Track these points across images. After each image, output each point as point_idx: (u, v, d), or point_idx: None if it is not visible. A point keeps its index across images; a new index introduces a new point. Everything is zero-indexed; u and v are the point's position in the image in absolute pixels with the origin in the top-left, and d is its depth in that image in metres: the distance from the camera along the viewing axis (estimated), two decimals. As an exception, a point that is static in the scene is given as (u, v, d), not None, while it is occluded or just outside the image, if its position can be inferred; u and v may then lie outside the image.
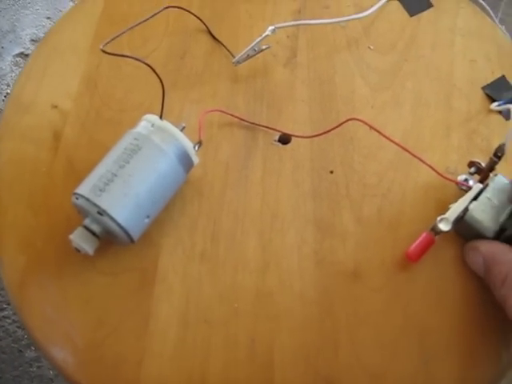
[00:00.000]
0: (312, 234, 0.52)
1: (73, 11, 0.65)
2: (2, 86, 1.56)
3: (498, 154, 0.48)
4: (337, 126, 0.53)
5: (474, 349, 0.47)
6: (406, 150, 0.51)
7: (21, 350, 1.23)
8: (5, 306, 1.25)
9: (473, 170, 0.52)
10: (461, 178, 0.53)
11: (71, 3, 1.69)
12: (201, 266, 0.50)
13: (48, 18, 1.71)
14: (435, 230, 0.48)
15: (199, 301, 0.49)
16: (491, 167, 0.50)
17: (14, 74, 1.58)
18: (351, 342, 0.47)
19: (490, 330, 0.48)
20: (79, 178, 0.47)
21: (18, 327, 1.24)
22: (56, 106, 0.58)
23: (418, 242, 0.49)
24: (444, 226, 0.48)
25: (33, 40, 1.66)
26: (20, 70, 1.56)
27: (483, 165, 0.51)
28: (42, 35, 1.62)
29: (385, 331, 0.48)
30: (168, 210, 0.51)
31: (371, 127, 0.51)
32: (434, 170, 0.51)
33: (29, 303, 0.49)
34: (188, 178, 0.52)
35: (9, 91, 1.52)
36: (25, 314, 0.48)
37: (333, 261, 0.50)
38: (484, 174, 0.51)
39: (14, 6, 1.71)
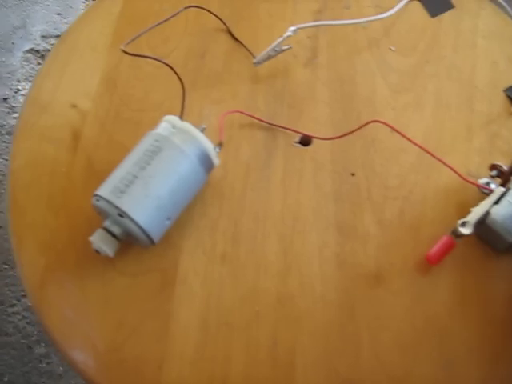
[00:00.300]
0: (333, 236, 0.51)
1: (91, 10, 0.64)
2: (13, 82, 1.55)
3: None
4: (358, 128, 0.53)
5: (495, 352, 0.47)
6: (428, 153, 0.51)
7: (30, 346, 1.23)
8: (14, 302, 1.25)
9: (494, 173, 0.52)
10: (482, 181, 0.52)
11: (82, -1, 1.68)
12: (221, 267, 0.50)
13: (59, 14, 1.70)
14: (456, 234, 0.48)
15: (220, 303, 0.48)
16: None
17: (24, 70, 1.58)
18: (372, 345, 0.47)
19: (510, 334, 0.48)
20: (99, 179, 0.47)
21: (28, 323, 1.24)
22: (75, 106, 0.57)
23: (438, 245, 0.49)
24: (465, 230, 0.47)
25: (43, 36, 1.66)
26: (31, 65, 1.56)
27: (505, 168, 0.50)
28: (53, 31, 1.62)
29: (406, 334, 0.48)
30: (188, 212, 0.51)
31: (394, 129, 0.51)
32: (455, 172, 0.51)
33: (48, 304, 0.49)
34: (209, 180, 0.51)
35: (19, 87, 1.52)
36: (44, 315, 0.48)
37: (354, 263, 0.50)
38: (506, 177, 0.50)
39: (24, 1, 1.70)
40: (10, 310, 1.26)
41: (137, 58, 0.48)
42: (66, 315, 0.48)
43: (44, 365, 1.22)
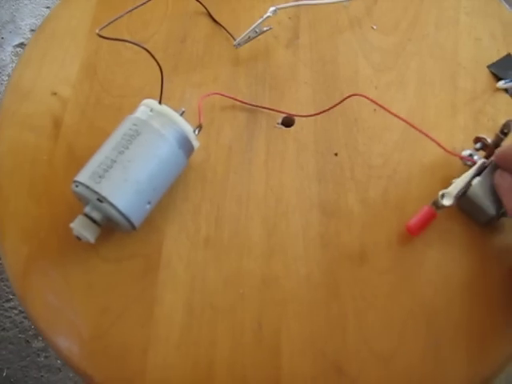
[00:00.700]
0: (317, 217, 0.51)
1: (70, -3, 0.64)
2: (3, 77, 1.55)
3: (505, 131, 0.48)
4: (340, 102, 0.53)
5: (482, 331, 0.47)
6: (413, 126, 0.50)
7: (28, 341, 1.23)
8: (11, 297, 1.26)
9: (478, 145, 0.51)
10: (465, 152, 0.52)
11: (70, -8, 1.68)
12: (205, 251, 0.49)
13: (47, 7, 1.70)
14: (437, 205, 0.48)
15: (204, 287, 0.48)
16: (497, 144, 0.49)
17: (14, 65, 1.57)
18: (359, 326, 0.47)
19: (499, 312, 0.48)
20: (80, 166, 0.47)
21: (25, 318, 1.24)
22: (55, 93, 0.57)
23: (418, 215, 0.49)
24: (446, 201, 0.47)
25: (32, 30, 1.66)
26: (20, 60, 1.55)
27: (489, 141, 0.50)
28: (45, 16, 1.61)
29: (392, 314, 0.47)
30: (171, 196, 0.51)
31: (375, 103, 0.51)
32: (439, 144, 0.51)
33: (32, 292, 0.48)
34: (190, 163, 0.51)
35: (10, 82, 1.51)
36: (28, 303, 0.48)
37: (339, 244, 0.50)
38: (490, 150, 0.50)
39: (12, -4, 1.70)
40: (7, 304, 1.26)
41: (117, 43, 0.48)
42: (50, 303, 0.48)
43: (42, 359, 1.22)
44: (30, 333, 1.23)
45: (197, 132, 0.50)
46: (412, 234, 0.49)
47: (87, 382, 0.46)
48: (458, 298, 0.48)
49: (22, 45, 1.63)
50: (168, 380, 0.45)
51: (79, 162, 0.47)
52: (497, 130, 0.49)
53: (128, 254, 0.49)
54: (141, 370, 0.45)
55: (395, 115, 0.51)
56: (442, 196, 0.47)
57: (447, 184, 0.50)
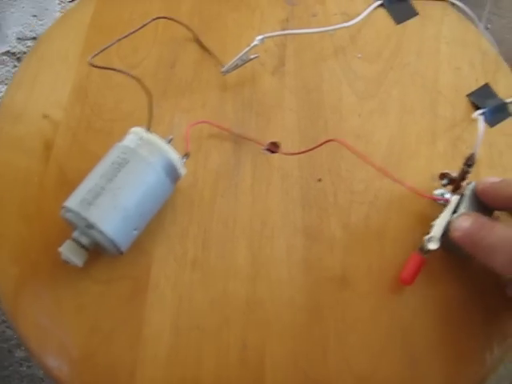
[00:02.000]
0: (301, 241, 0.53)
1: (62, 20, 0.65)
2: (-11, 86, 1.55)
3: (469, 163, 0.49)
4: (317, 146, 0.54)
5: (458, 352, 0.49)
6: (384, 172, 0.51)
7: (10, 350, 1.23)
8: (-7, 307, 1.25)
9: (445, 181, 0.53)
10: (437, 192, 0.53)
11: (57, 1, 1.68)
12: (192, 273, 0.51)
13: (34, 15, 1.69)
14: (423, 250, 0.49)
15: (191, 308, 0.50)
16: (463, 177, 0.50)
17: (0, 73, 1.57)
18: (340, 347, 0.49)
19: (474, 334, 0.50)
20: (71, 188, 0.48)
21: (7, 327, 1.23)
22: (47, 116, 0.58)
23: (409, 265, 0.50)
24: (432, 245, 0.48)
25: (19, 38, 1.65)
26: (6, 68, 1.55)
27: (454, 175, 0.52)
28: (29, 33, 1.61)
29: (372, 336, 0.49)
30: (159, 219, 0.52)
31: (350, 149, 0.53)
32: (412, 190, 0.52)
33: (23, 313, 0.49)
34: (178, 187, 0.53)
35: (-4, 90, 1.51)
36: (19, 323, 0.49)
37: (321, 267, 0.52)
38: (456, 183, 0.51)
39: (-1, 4, 1.70)
40: (-11, 315, 1.25)
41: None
42: (41, 323, 0.49)
43: (25, 368, 1.22)
44: (12, 342, 1.23)
45: (184, 160, 0.51)
46: (408, 284, 0.50)
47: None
48: (435, 321, 0.50)
49: (8, 53, 1.63)
50: (155, 399, 0.46)
51: (70, 185, 0.48)
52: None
53: (117, 276, 0.50)
54: (129, 389, 0.47)
55: (368, 162, 0.52)
56: (428, 240, 0.48)
57: (425, 210, 0.52)
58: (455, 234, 0.48)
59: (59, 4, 1.65)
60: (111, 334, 0.48)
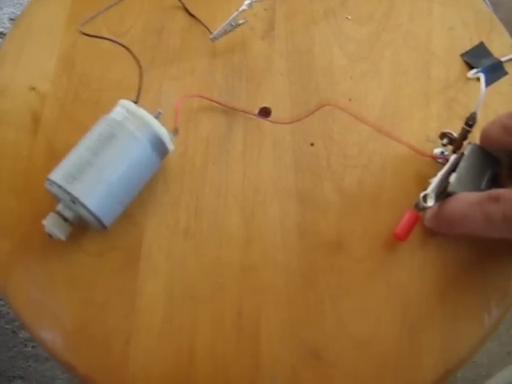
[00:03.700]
0: (294, 206, 0.52)
1: (45, -9, 0.64)
2: (-17, 67, 1.54)
3: (470, 123, 0.49)
4: (311, 113, 0.54)
5: (455, 315, 0.48)
6: (381, 131, 0.51)
7: (14, 331, 1.23)
8: (-4, 289, 1.26)
9: (445, 141, 0.52)
10: (437, 151, 0.53)
11: (49, -19, 1.66)
12: (185, 242, 0.50)
13: (26, -4, 1.68)
14: (419, 207, 0.48)
15: (184, 277, 0.49)
16: (464, 136, 0.50)
17: (-7, 55, 1.56)
18: (336, 313, 0.48)
19: (471, 296, 0.49)
20: (60, 160, 0.47)
21: (11, 308, 1.24)
22: (34, 88, 0.57)
23: (403, 221, 0.49)
24: (428, 202, 0.47)
25: (11, 19, 1.64)
26: (0, 50, 1.54)
27: (455, 135, 0.51)
28: (22, 11, 1.59)
29: (368, 300, 0.49)
30: (150, 189, 0.52)
31: (346, 111, 0.52)
32: (410, 147, 0.51)
33: (15, 286, 0.49)
34: (169, 156, 0.52)
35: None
36: (12, 297, 0.49)
37: (315, 232, 0.51)
38: (457, 143, 0.51)
39: (-10, -15, 1.68)
40: (-9, 296, 1.26)
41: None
42: (34, 297, 0.49)
43: (29, 348, 1.23)
44: (17, 323, 1.24)
45: (173, 138, 0.50)
46: (401, 240, 0.49)
47: (71, 373, 0.46)
48: (431, 284, 0.49)
49: (1, 34, 1.61)
50: (150, 368, 0.46)
51: (59, 157, 0.48)
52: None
53: (109, 247, 0.50)
54: (123, 359, 0.46)
55: (363, 122, 0.52)
56: (424, 197, 0.48)
57: (421, 175, 0.52)
58: (427, 223, 0.50)
59: (51, -17, 1.62)
60: (104, 305, 0.48)
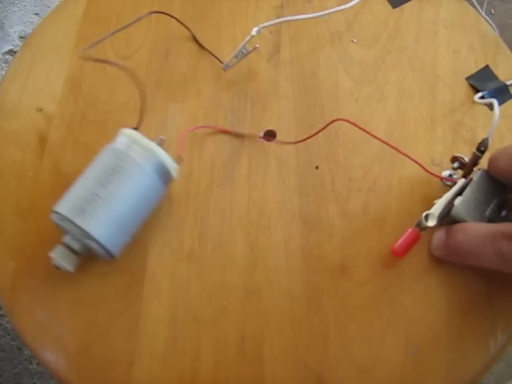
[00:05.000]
0: (298, 229, 0.52)
1: (55, 12, 0.64)
2: (-8, 84, 1.55)
3: (482, 149, 0.48)
4: (321, 130, 0.54)
5: (461, 340, 0.48)
6: (392, 147, 0.51)
7: (20, 348, 1.23)
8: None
9: (456, 165, 0.52)
10: (445, 173, 0.53)
11: (59, -1, 1.68)
12: (189, 265, 0.50)
13: (36, 14, 1.70)
14: (420, 226, 0.48)
15: (188, 300, 0.49)
16: (475, 162, 0.50)
17: (3, 72, 1.57)
18: (340, 337, 0.48)
19: (477, 321, 0.49)
20: (66, 181, 0.47)
21: (17, 325, 1.24)
22: (41, 109, 0.58)
23: (403, 238, 0.49)
24: (429, 222, 0.47)
25: (21, 37, 1.66)
26: (10, 67, 1.55)
27: (466, 159, 0.51)
28: (31, 32, 1.61)
29: (372, 324, 0.48)
30: (155, 211, 0.51)
31: (356, 126, 0.52)
32: (420, 165, 0.52)
33: (20, 307, 0.49)
34: (174, 179, 0.52)
35: None
36: (16, 318, 0.49)
37: (320, 256, 0.51)
38: (467, 168, 0.50)
39: (1, 3, 1.70)
40: (-2, 313, 1.26)
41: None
42: (38, 318, 0.49)
43: (34, 366, 1.23)
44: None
45: (177, 165, 0.50)
46: (398, 257, 0.49)
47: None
48: (436, 308, 0.49)
49: (11, 52, 1.63)
50: (153, 392, 0.46)
51: (65, 178, 0.48)
52: (475, 141, 0.50)
53: (113, 269, 0.50)
54: (126, 382, 0.46)
55: (375, 136, 0.51)
56: (426, 217, 0.48)
57: (427, 199, 0.51)
58: (435, 251, 0.50)
59: (60, 1, 1.64)
60: (108, 327, 0.48)
